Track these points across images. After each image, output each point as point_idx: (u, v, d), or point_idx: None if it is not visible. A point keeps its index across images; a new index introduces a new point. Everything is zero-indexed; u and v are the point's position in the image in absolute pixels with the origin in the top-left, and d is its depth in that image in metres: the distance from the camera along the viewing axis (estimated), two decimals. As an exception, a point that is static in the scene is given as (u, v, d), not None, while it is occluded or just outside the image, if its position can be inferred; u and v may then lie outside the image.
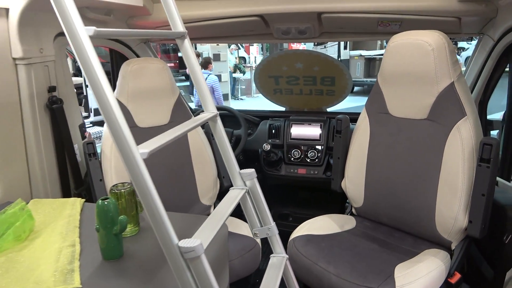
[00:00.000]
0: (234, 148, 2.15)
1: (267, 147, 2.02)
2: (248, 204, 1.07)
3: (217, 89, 6.29)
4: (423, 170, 1.42)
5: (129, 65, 1.67)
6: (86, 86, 7.62)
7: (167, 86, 1.76)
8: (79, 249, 1.02)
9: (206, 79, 5.92)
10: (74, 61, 9.08)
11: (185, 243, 0.68)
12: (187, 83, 9.02)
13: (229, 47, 13.13)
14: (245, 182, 1.06)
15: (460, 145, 1.32)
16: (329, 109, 2.50)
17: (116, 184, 1.12)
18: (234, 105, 7.82)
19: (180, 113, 1.82)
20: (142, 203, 0.69)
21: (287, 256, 1.10)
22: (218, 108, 2.39)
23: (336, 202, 2.21)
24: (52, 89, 1.48)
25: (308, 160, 2.12)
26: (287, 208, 2.32)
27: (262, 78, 2.41)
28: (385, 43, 12.21)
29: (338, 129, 1.68)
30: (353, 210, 1.73)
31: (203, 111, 1.03)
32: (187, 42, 1.01)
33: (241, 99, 11.19)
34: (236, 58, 12.10)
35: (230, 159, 1.06)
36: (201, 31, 2.01)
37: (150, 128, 1.75)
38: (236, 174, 1.06)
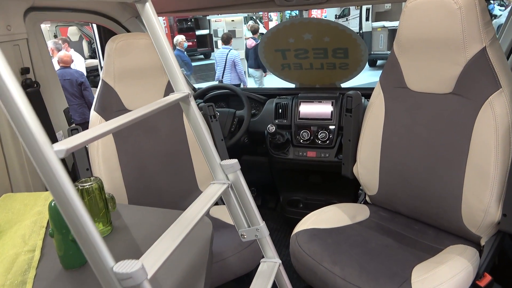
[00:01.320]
0: (236, 130, 1.97)
1: (272, 128, 1.83)
2: (232, 201, 0.91)
3: (238, 64, 6.12)
4: (447, 154, 1.21)
5: (114, 42, 1.51)
6: (101, 68, 7.60)
7: (158, 63, 1.59)
8: (39, 255, 0.89)
9: (227, 54, 6.03)
10: (90, 43, 9.04)
11: (121, 267, 0.52)
12: (207, 61, 8.81)
13: (245, 23, 12.77)
14: (227, 175, 0.89)
15: (493, 124, 1.09)
16: (344, 85, 2.27)
17: (82, 179, 0.98)
18: (251, 83, 7.60)
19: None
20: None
21: (280, 261, 0.93)
22: (219, 87, 2.23)
23: (351, 187, 2.01)
24: (25, 71, 1.34)
25: (319, 142, 1.92)
26: (297, 194, 2.15)
27: (268, 53, 2.20)
28: (410, 12, 11.57)
29: (349, 108, 1.47)
30: (367, 198, 1.54)
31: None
32: (148, 6, 0.82)
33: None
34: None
35: (208, 149, 0.89)
36: (194, 1, 1.81)
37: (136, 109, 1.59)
38: (216, 166, 0.89)
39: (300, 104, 1.99)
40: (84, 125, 3.77)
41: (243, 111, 2.01)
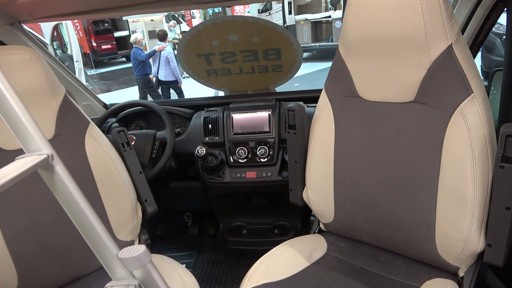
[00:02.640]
0: (159, 155, 1.63)
1: (201, 151, 1.52)
2: None
3: (172, 60, 6.18)
4: (414, 174, 1.01)
5: None
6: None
7: (42, 84, 1.19)
8: None
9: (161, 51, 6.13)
10: None
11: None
12: (130, 65, 8.11)
13: (167, 22, 12.15)
14: (132, 272, 0.58)
15: (467, 137, 0.90)
16: (279, 88, 2.02)
17: None
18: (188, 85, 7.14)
19: (70, 120, 1.27)
20: None
21: None
22: (133, 105, 1.85)
23: (299, 206, 1.78)
24: None
25: (258, 160, 1.65)
26: (239, 218, 1.87)
27: (189, 59, 1.88)
28: (329, 5, 11.84)
29: (291, 123, 1.21)
30: (322, 226, 1.31)
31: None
32: None
33: (186, 77, 10.45)
34: (178, 34, 11.19)
35: (93, 231, 0.57)
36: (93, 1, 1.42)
37: (22, 150, 1.18)
38: (112, 259, 0.57)
39: (232, 117, 1.70)
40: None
41: (164, 131, 1.67)
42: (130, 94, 8.63)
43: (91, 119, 1.88)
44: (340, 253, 1.17)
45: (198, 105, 1.98)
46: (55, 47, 7.46)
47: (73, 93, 1.85)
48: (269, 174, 1.64)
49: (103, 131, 1.85)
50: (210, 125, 1.72)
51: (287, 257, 1.14)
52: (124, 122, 1.90)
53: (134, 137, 1.64)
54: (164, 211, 2.09)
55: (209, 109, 1.81)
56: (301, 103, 1.76)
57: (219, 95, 2.06)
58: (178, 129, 1.74)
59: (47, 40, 7.15)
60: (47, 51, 1.67)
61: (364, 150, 1.09)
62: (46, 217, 1.20)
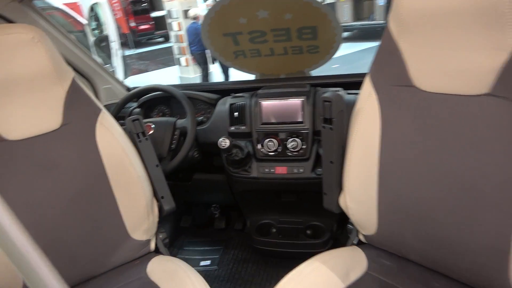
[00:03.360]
0: (179, 146, 1.48)
1: (225, 143, 1.36)
2: None
3: None
4: (483, 186, 0.79)
5: None
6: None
7: (46, 67, 1.07)
8: None
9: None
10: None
11: None
12: (167, 45, 8.05)
13: (204, 1, 11.93)
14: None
15: None
16: (315, 72, 1.81)
17: None
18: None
19: (79, 107, 1.15)
20: None
21: None
22: (151, 89, 1.70)
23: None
24: None
25: (289, 153, 1.47)
26: (268, 216, 1.70)
27: (214, 39, 1.69)
28: (373, -21, 11.10)
29: (327, 117, 1.01)
30: (361, 237, 1.11)
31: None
32: None
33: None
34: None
35: None
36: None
37: (28, 139, 1.08)
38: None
39: (261, 104, 1.52)
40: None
41: (185, 120, 1.52)
42: (166, 74, 8.61)
43: (112, 103, 1.77)
44: (383, 274, 0.98)
45: (225, 89, 1.81)
46: (93, 27, 7.51)
47: (92, 76, 1.74)
48: (301, 170, 1.45)
49: (122, 117, 1.74)
50: (236, 113, 1.54)
51: (319, 277, 0.97)
52: (146, 107, 1.77)
53: (153, 126, 1.50)
54: (188, 202, 1.97)
55: (236, 94, 1.64)
56: (340, 90, 1.54)
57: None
58: (201, 117, 1.58)
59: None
60: (62, 31, 1.54)
61: (417, 153, 0.88)
62: (52, 214, 1.09)
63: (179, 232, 2.00)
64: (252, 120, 1.52)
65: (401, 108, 0.90)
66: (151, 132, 1.48)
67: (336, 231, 1.61)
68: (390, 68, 0.90)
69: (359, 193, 1.01)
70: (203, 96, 1.67)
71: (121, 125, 1.25)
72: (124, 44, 13.70)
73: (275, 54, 1.72)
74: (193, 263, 1.80)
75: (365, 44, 8.94)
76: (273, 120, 1.50)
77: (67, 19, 7.78)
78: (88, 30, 7.36)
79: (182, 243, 1.95)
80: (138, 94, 1.61)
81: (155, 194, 1.27)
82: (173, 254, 1.87)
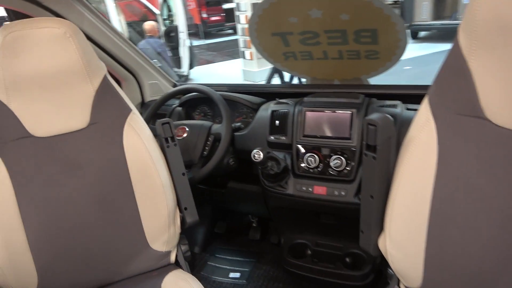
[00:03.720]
0: (212, 153, 1.38)
1: (258, 155, 1.24)
2: None
3: None
4: None
5: (4, 33, 0.96)
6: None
7: (76, 64, 1.02)
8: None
9: None
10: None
11: None
12: (236, 37, 8.00)
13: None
14: None
15: None
16: (374, 79, 1.61)
17: None
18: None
19: (108, 106, 1.10)
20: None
21: None
22: (188, 90, 1.61)
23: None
24: None
25: (331, 172, 1.30)
26: (304, 235, 1.55)
27: (263, 38, 1.57)
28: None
29: (371, 143, 0.84)
30: (402, 287, 0.93)
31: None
32: None
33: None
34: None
35: None
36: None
37: (55, 137, 1.05)
38: None
39: (305, 114, 1.37)
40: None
41: (219, 126, 1.42)
42: (230, 66, 8.66)
43: (155, 100, 1.73)
44: None
45: (271, 93, 1.68)
46: (164, 17, 7.78)
47: (138, 71, 1.71)
48: (342, 193, 1.28)
49: (163, 115, 1.69)
50: (277, 121, 1.41)
51: None
52: (187, 106, 1.70)
53: (187, 128, 1.42)
54: (223, 208, 1.88)
55: (281, 100, 1.50)
56: (398, 103, 1.33)
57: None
58: (238, 124, 1.46)
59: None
60: (109, 26, 1.52)
61: (484, 200, 0.68)
62: (72, 215, 1.06)
63: (213, 237, 1.92)
64: (294, 131, 1.37)
65: (465, 143, 0.70)
66: (184, 135, 1.40)
67: (379, 264, 1.42)
68: (455, 92, 0.71)
69: (403, 239, 0.83)
70: (245, 100, 1.56)
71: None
72: (195, 34, 14.11)
73: (328, 57, 1.55)
74: (222, 273, 1.72)
75: (444, 46, 8.20)
76: (316, 133, 1.34)
77: (142, 8, 8.16)
78: (160, 20, 7.63)
79: (215, 249, 1.87)
80: (176, 94, 1.54)
81: (178, 204, 1.19)
82: (204, 259, 1.81)
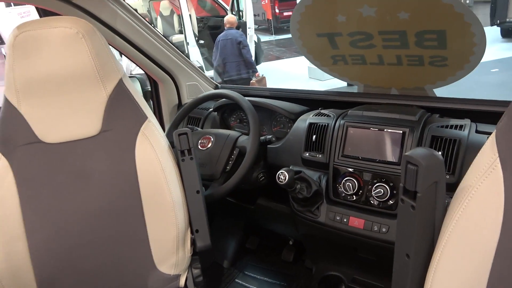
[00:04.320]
0: (235, 168, 1.24)
1: (284, 176, 1.06)
2: None
3: None
4: None
5: (16, 32, 0.91)
6: (187, 43, 7.35)
7: (88, 66, 0.95)
8: None
9: None
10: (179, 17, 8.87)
11: None
12: None
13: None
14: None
15: None
16: (439, 90, 1.34)
17: None
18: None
19: (122, 113, 1.01)
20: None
21: None
22: (217, 95, 1.44)
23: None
24: None
25: (372, 202, 1.09)
26: (338, 267, 1.35)
27: (307, 39, 1.37)
28: None
29: (409, 188, 0.63)
30: None
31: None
32: None
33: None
34: None
35: None
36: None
37: (64, 144, 0.98)
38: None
39: (347, 130, 1.16)
40: (238, 82, 4.26)
41: (245, 139, 1.26)
42: (298, 63, 8.43)
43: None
44: None
45: (316, 100, 1.49)
46: (234, 13, 7.79)
47: (175, 71, 1.62)
48: (383, 229, 1.06)
49: (197, 120, 1.58)
50: (314, 136, 1.22)
51: None
52: (222, 112, 1.57)
53: (212, 138, 1.29)
54: (256, 224, 1.73)
55: (323, 111, 1.31)
56: (466, 122, 1.07)
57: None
58: (270, 136, 1.29)
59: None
60: (144, 24, 1.43)
61: None
62: (76, 228, 0.99)
63: (244, 252, 1.79)
64: (332, 149, 1.17)
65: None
66: (209, 145, 1.28)
67: None
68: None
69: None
70: (280, 108, 1.38)
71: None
72: (267, 30, 14.04)
73: (384, 63, 1.32)
74: (249, 294, 1.58)
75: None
76: (359, 154, 1.13)
77: (213, 4, 8.28)
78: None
79: (245, 266, 1.74)
80: (205, 99, 1.41)
81: (191, 225, 1.07)
82: (232, 276, 1.68)
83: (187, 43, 7.31)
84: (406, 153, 0.62)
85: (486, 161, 0.55)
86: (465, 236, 0.58)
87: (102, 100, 0.99)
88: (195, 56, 7.28)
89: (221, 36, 5.14)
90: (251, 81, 5.19)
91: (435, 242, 0.64)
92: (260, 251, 1.80)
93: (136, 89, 1.07)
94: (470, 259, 0.57)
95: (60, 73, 0.94)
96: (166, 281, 1.06)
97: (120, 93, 1.01)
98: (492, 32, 7.77)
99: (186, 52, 7.24)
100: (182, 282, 1.10)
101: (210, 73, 7.33)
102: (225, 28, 5.06)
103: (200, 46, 7.48)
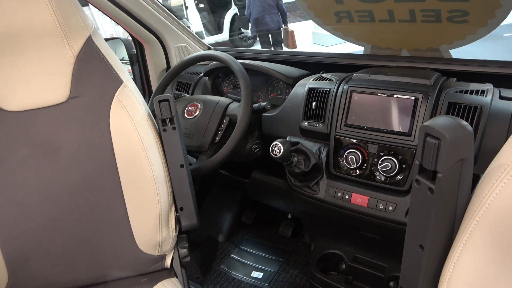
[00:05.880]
0: (224, 139, 1.11)
1: (278, 149, 0.94)
2: None
3: None
4: None
5: None
6: (186, 7, 7.04)
7: (52, 21, 0.81)
8: None
9: None
10: None
11: None
12: None
13: None
14: None
15: None
16: (456, 51, 1.18)
17: None
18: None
19: (92, 77, 0.88)
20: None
21: None
22: (205, 57, 1.26)
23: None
24: None
25: (378, 177, 0.97)
26: (339, 245, 1.25)
27: (308, -8, 1.21)
28: None
29: (427, 167, 0.50)
30: None
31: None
32: None
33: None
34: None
35: None
36: None
37: (28, 112, 0.86)
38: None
39: (351, 96, 1.02)
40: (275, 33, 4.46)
41: (237, 106, 1.13)
42: (303, 28, 8.11)
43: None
44: None
45: (318, 63, 1.34)
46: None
47: (162, 32, 1.47)
48: (390, 208, 0.94)
49: (187, 85, 1.45)
50: (314, 103, 1.08)
51: None
52: (214, 76, 1.43)
53: (200, 105, 1.16)
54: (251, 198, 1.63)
55: (324, 75, 1.16)
56: (488, 87, 0.93)
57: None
58: (264, 103, 1.15)
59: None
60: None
61: None
62: (45, 206, 0.89)
63: (240, 226, 1.70)
64: (334, 118, 1.04)
65: None
66: (196, 114, 1.15)
67: None
68: None
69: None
70: (277, 72, 1.24)
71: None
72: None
73: (395, 19, 1.16)
74: (244, 271, 1.50)
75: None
76: (364, 123, 1.00)
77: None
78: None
79: (241, 240, 1.65)
80: (193, 61, 1.26)
81: (175, 202, 0.96)
82: (227, 250, 1.60)
83: (186, 7, 7.02)
84: (425, 123, 0.49)
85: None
86: (498, 226, 0.46)
87: (69, 61, 0.86)
88: (195, 21, 7.02)
89: None
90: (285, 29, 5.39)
91: (455, 232, 0.53)
92: (257, 225, 1.71)
93: (109, 49, 0.93)
94: (503, 257, 0.46)
95: (16, 30, 0.80)
96: (150, 262, 0.97)
97: (89, 53, 0.87)
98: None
99: (186, 16, 6.95)
100: (167, 262, 1.01)
101: (209, 39, 7.06)
102: None
103: (199, 10, 7.20)
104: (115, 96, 0.88)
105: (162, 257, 1.00)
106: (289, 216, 1.64)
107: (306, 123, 1.10)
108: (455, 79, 1.03)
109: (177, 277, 1.00)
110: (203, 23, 7.22)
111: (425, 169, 0.51)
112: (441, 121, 0.49)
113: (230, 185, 1.62)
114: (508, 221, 0.45)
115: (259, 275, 1.46)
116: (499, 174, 0.46)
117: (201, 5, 7.33)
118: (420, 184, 0.53)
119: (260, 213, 1.72)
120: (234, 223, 1.68)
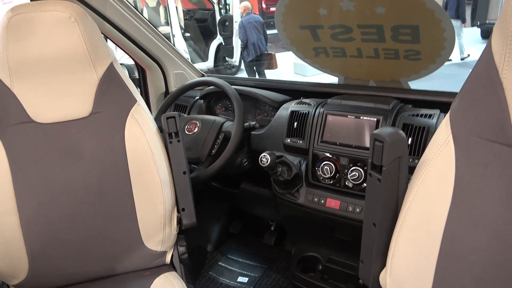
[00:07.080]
0: (219, 152, 1.30)
1: (266, 159, 1.13)
2: None
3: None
4: None
5: (10, 15, 0.94)
6: (173, 36, 7.32)
7: (80, 49, 0.99)
8: None
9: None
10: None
11: None
12: None
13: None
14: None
15: None
16: (414, 83, 1.42)
17: None
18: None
19: (112, 96, 1.05)
20: None
21: None
22: (203, 83, 1.50)
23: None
24: None
25: (348, 184, 1.17)
26: (316, 248, 1.42)
27: (290, 31, 1.44)
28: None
29: (376, 162, 0.70)
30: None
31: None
32: None
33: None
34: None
35: None
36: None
37: (57, 124, 1.02)
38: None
39: (326, 118, 1.23)
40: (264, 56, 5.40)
41: (230, 124, 1.32)
42: (284, 58, 8.50)
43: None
44: None
45: (297, 90, 1.55)
46: (220, 7, 7.80)
47: (163, 60, 1.66)
48: (357, 210, 1.14)
49: (184, 107, 1.63)
50: (296, 123, 1.29)
51: None
52: (209, 100, 1.63)
53: (198, 123, 1.34)
54: (240, 209, 1.80)
55: (304, 100, 1.37)
56: (435, 112, 1.15)
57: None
58: (253, 122, 1.35)
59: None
60: (133, 11, 1.47)
61: (499, 234, 0.53)
62: (67, 203, 1.03)
63: (228, 236, 1.85)
64: (312, 135, 1.24)
65: (488, 172, 0.55)
66: (195, 130, 1.33)
67: None
68: (482, 111, 0.55)
69: (406, 278, 0.69)
70: (264, 97, 1.45)
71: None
72: (253, 25, 14.07)
73: (363, 56, 1.39)
74: (231, 276, 1.64)
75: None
76: (336, 140, 1.20)
77: (201, -3, 8.24)
78: (216, 8, 7.66)
79: (228, 250, 1.80)
80: (192, 86, 1.46)
81: (177, 204, 1.12)
82: (215, 259, 1.75)
83: (173, 35, 7.28)
84: (374, 132, 0.70)
85: (442, 137, 0.63)
86: (423, 204, 0.66)
87: (94, 83, 1.03)
88: (181, 48, 7.27)
89: (246, 19, 6.09)
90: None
91: (398, 212, 0.72)
92: (243, 235, 1.86)
93: (126, 74, 1.11)
94: (426, 225, 0.65)
95: (53, 56, 0.98)
96: (153, 257, 1.12)
97: (110, 77, 1.05)
98: (473, 33, 7.96)
99: (173, 44, 7.22)
100: (168, 258, 1.15)
101: (197, 66, 7.31)
102: (243, 14, 6.02)
103: (186, 39, 7.46)
104: (130, 113, 1.06)
105: (164, 253, 1.14)
106: (272, 228, 1.80)
107: (289, 140, 1.29)
108: (410, 105, 1.26)
109: (176, 272, 1.15)
110: (189, 51, 7.48)
111: (375, 165, 0.71)
112: (385, 130, 0.69)
113: (220, 196, 1.78)
114: (428, 200, 0.65)
115: (245, 280, 1.61)
116: (423, 166, 0.66)
117: (187, 34, 7.61)
118: (372, 176, 0.72)
119: (246, 224, 1.88)
120: (222, 234, 1.83)
